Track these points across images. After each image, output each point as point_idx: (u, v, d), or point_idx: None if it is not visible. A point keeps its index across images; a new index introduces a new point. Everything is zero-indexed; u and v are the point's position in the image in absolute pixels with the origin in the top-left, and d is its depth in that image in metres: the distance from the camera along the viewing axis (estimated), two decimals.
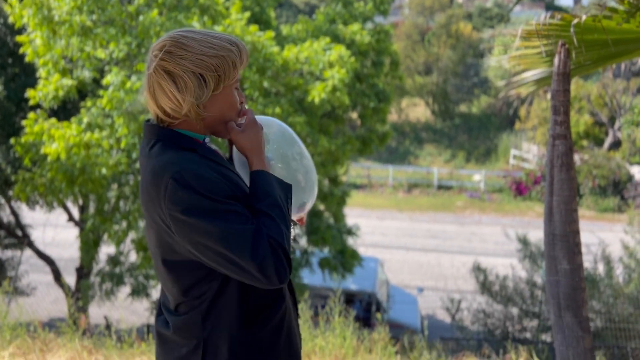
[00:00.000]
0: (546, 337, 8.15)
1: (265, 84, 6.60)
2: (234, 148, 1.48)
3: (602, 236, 11.38)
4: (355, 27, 8.20)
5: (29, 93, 6.11)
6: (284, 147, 1.59)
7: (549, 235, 2.65)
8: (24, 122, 6.04)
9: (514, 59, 2.87)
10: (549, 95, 2.63)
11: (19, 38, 6.27)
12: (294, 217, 1.63)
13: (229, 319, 1.37)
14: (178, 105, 1.32)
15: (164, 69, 1.31)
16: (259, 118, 1.56)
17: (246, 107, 1.50)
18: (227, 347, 1.37)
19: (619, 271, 8.36)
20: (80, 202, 8.75)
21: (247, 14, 6.77)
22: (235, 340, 1.37)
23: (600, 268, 8.26)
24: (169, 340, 1.43)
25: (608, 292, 7.61)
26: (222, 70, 1.33)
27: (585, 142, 20.00)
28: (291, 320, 1.47)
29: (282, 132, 1.60)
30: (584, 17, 2.24)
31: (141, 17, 5.84)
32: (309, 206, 1.66)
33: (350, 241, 9.09)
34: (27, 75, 8.23)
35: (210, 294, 1.36)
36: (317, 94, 6.35)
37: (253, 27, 6.44)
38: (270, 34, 6.53)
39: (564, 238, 2.60)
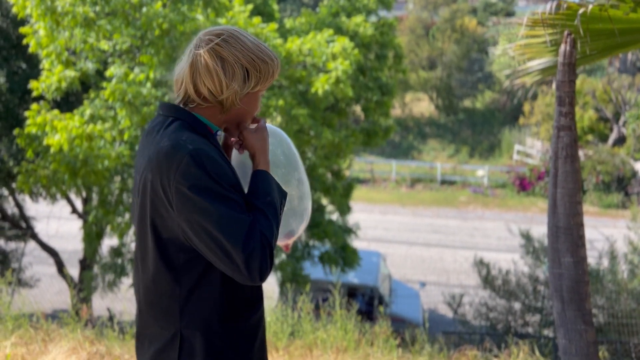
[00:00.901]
0: (548, 332, 8.14)
1: None
2: (234, 151, 1.55)
3: (606, 232, 11.34)
4: (358, 19, 8.16)
5: (32, 84, 6.11)
6: (287, 170, 1.64)
7: (553, 227, 2.62)
8: (26, 113, 6.04)
9: (519, 48, 2.84)
10: (553, 87, 2.60)
11: (23, 29, 6.25)
12: (280, 242, 1.66)
13: (208, 312, 1.36)
14: (219, 89, 1.38)
15: (217, 53, 1.38)
16: (274, 129, 1.65)
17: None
18: (204, 343, 1.35)
19: (622, 267, 8.33)
20: (84, 194, 8.77)
21: (250, 6, 6.74)
22: (212, 334, 1.36)
23: (605, 263, 8.23)
24: (143, 331, 1.43)
25: (611, 288, 7.59)
26: (263, 74, 1.42)
27: (589, 138, 19.91)
28: (264, 327, 1.49)
29: (287, 154, 1.66)
30: (590, 7, 2.21)
31: (145, 9, 5.82)
32: (296, 235, 1.69)
33: (351, 239, 9.07)
34: (31, 67, 8.22)
35: (191, 281, 1.35)
36: (320, 85, 6.32)
37: (256, 19, 6.42)
38: (274, 26, 6.50)
39: (567, 230, 2.57)
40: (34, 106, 6.02)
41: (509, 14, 28.63)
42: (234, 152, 1.56)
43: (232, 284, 1.37)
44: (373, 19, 9.15)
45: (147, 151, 1.39)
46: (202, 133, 1.39)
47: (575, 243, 2.57)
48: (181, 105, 1.43)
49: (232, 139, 1.53)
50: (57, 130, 5.76)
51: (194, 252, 1.34)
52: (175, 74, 1.45)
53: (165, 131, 1.38)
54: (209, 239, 1.28)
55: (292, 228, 1.65)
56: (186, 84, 1.41)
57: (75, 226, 11.87)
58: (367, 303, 9.20)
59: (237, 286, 1.38)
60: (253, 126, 1.53)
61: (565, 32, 2.34)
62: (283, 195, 1.47)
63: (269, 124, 1.64)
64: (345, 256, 8.35)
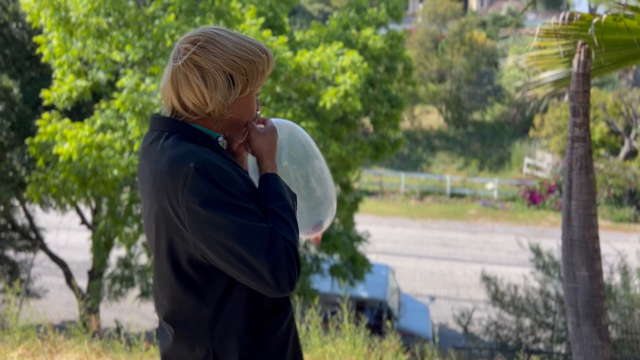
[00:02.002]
0: (560, 349, 8.00)
1: (278, 88, 6.59)
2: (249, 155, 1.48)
3: (618, 247, 11.19)
4: (368, 31, 8.18)
5: (44, 93, 6.18)
6: (306, 160, 1.57)
7: (567, 240, 2.57)
8: (38, 122, 6.09)
9: (531, 59, 2.81)
10: (566, 98, 2.57)
11: (36, 39, 6.34)
12: (309, 236, 1.59)
13: (237, 326, 1.30)
14: (203, 102, 1.29)
15: (194, 63, 1.28)
16: (285, 123, 1.57)
17: (260, 114, 1.48)
18: (238, 358, 1.30)
19: (636, 282, 8.20)
20: (93, 205, 8.80)
21: (262, 20, 6.78)
22: (245, 349, 1.30)
23: (617, 278, 8.10)
24: (172, 353, 1.36)
25: (624, 303, 7.46)
26: (250, 75, 1.31)
27: (601, 151, 19.75)
28: (296, 328, 1.43)
29: (304, 145, 1.58)
30: (604, 17, 2.18)
31: (157, 21, 5.87)
32: (325, 225, 1.60)
33: (361, 248, 9.02)
34: (44, 78, 8.31)
35: (216, 298, 1.29)
36: (328, 99, 6.32)
37: (267, 32, 6.45)
38: (284, 39, 6.52)
39: (582, 244, 2.52)
40: (45, 115, 6.08)
41: (519, 26, 28.63)
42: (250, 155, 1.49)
43: (258, 293, 1.31)
44: (383, 32, 9.18)
45: (149, 172, 1.31)
46: (203, 142, 1.31)
47: (590, 256, 2.51)
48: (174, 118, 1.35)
49: (237, 143, 1.46)
50: (67, 139, 5.79)
51: (214, 268, 1.27)
52: (161, 87, 1.36)
53: (164, 147, 1.29)
54: (230, 255, 1.21)
55: (320, 219, 1.57)
56: (171, 99, 1.32)
57: (84, 237, 11.90)
58: (376, 317, 9.11)
59: (263, 295, 1.31)
60: (261, 126, 1.45)
61: (579, 42, 2.31)
62: (294, 197, 1.40)
63: (278, 119, 1.56)
64: (355, 269, 8.28)
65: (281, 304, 1.37)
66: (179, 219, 1.24)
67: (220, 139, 1.39)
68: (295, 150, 1.55)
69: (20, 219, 9.89)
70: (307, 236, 1.62)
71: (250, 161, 1.49)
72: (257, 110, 1.44)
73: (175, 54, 1.32)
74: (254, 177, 1.45)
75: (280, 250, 1.21)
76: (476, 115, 26.61)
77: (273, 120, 1.53)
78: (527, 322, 8.36)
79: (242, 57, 1.29)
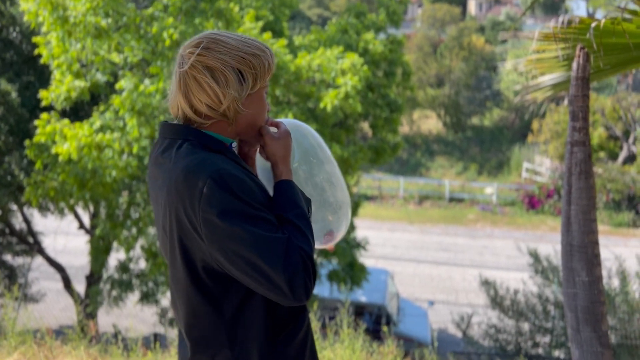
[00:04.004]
0: (559, 353, 7.98)
1: (277, 92, 6.58)
2: (257, 156, 1.45)
3: (617, 251, 11.18)
4: (368, 36, 8.19)
5: (42, 94, 6.14)
6: (315, 167, 1.52)
7: (567, 245, 2.56)
8: (36, 122, 6.06)
9: (530, 63, 2.81)
10: (564, 103, 2.56)
11: (35, 39, 6.31)
12: (321, 246, 1.54)
13: (255, 335, 1.29)
14: (217, 101, 1.28)
15: (202, 65, 1.28)
16: (295, 123, 1.53)
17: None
18: None
19: (634, 287, 8.18)
20: (91, 209, 8.78)
21: (261, 23, 6.78)
22: (264, 357, 1.30)
23: (616, 283, 8.08)
24: None
25: (623, 308, 7.43)
26: (259, 68, 1.31)
27: (599, 156, 19.78)
28: (312, 336, 1.41)
29: (314, 148, 1.53)
30: (603, 20, 2.18)
31: (156, 23, 5.86)
32: (339, 233, 1.55)
33: (359, 254, 8.99)
34: (42, 82, 8.31)
35: (233, 307, 1.28)
36: (329, 100, 6.31)
37: (267, 35, 6.45)
38: (283, 42, 6.53)
39: (582, 249, 2.51)
40: (43, 115, 6.05)
41: (517, 31, 28.69)
42: (258, 157, 1.46)
43: (274, 302, 1.30)
44: (382, 36, 9.19)
45: (162, 181, 1.30)
46: (217, 149, 1.30)
47: (590, 262, 2.50)
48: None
49: (252, 148, 1.44)
50: (67, 139, 5.77)
51: (230, 278, 1.26)
52: (168, 99, 1.36)
53: (177, 156, 1.28)
54: (247, 266, 1.20)
55: (330, 227, 1.51)
56: (182, 107, 1.31)
57: (82, 242, 11.87)
58: (375, 322, 9.08)
59: (279, 304, 1.30)
60: (274, 130, 1.43)
61: (579, 46, 2.30)
62: (308, 202, 1.38)
63: (289, 119, 1.53)
64: (353, 274, 8.26)
65: (298, 312, 1.36)
66: (194, 229, 1.23)
67: (234, 144, 1.37)
68: (307, 153, 1.51)
69: (18, 223, 9.86)
70: (319, 246, 1.57)
71: (258, 163, 1.46)
72: (268, 110, 1.43)
73: (180, 61, 1.32)
74: (263, 180, 1.42)
75: (297, 261, 1.20)
76: (475, 120, 26.64)
77: (284, 120, 1.50)
78: (526, 326, 8.34)
79: (247, 52, 1.30)
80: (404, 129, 25.80)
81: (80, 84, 5.93)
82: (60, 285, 10.00)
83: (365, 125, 9.54)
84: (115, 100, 5.73)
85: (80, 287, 10.36)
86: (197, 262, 1.26)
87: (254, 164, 1.49)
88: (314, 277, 1.24)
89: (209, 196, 1.19)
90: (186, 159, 1.25)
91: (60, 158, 5.81)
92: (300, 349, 1.35)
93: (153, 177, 1.36)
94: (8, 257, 9.77)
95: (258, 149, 1.44)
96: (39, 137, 5.92)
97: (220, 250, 1.21)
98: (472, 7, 40.71)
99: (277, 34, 8.16)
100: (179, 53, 1.34)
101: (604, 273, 8.07)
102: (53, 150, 5.84)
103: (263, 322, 1.30)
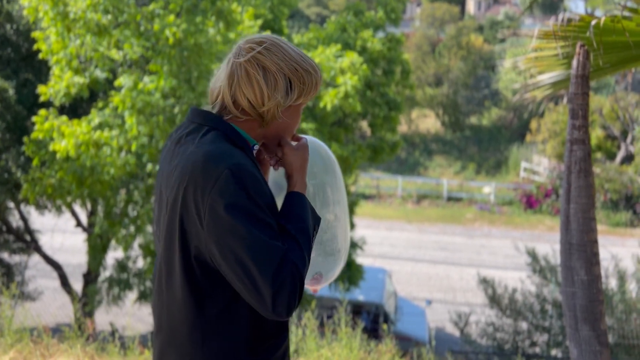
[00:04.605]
0: (557, 352, 7.99)
1: None
2: (271, 169, 1.46)
3: (614, 251, 11.20)
4: (366, 34, 8.18)
5: (40, 89, 6.10)
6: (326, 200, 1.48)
7: (566, 244, 2.55)
8: (34, 119, 6.02)
9: (529, 61, 2.80)
10: (563, 101, 2.55)
11: (34, 34, 6.26)
12: (306, 285, 1.48)
13: (232, 344, 1.26)
14: (260, 100, 1.30)
15: (258, 62, 1.30)
16: (313, 141, 1.51)
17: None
18: None
19: (632, 286, 8.19)
20: (89, 206, 8.75)
21: (260, 22, 6.77)
22: None
23: (613, 283, 8.09)
24: (163, 358, 1.32)
25: (621, 308, 7.44)
26: (307, 84, 1.34)
27: (597, 156, 19.81)
28: (289, 355, 1.38)
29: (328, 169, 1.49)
30: (603, 18, 2.17)
31: (157, 20, 5.84)
32: (325, 280, 1.47)
33: (356, 254, 8.98)
34: (39, 79, 8.27)
35: (215, 309, 1.25)
36: (329, 100, 6.31)
37: (267, 33, 6.44)
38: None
39: (581, 247, 2.50)
40: (41, 112, 6.01)
41: (516, 30, 28.71)
42: (271, 171, 1.45)
43: (260, 315, 1.27)
44: (380, 35, 9.18)
45: (179, 161, 1.28)
46: (240, 146, 1.30)
47: (589, 260, 2.50)
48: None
49: (267, 155, 1.43)
50: (64, 136, 5.74)
51: (220, 276, 1.24)
52: (211, 84, 1.37)
53: (201, 141, 1.27)
54: (238, 266, 1.18)
55: (320, 270, 1.44)
56: (224, 95, 1.32)
57: (79, 240, 11.84)
58: (373, 321, 9.07)
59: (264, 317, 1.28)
60: (294, 143, 1.43)
61: (578, 44, 2.29)
62: (317, 220, 1.35)
63: (311, 137, 1.52)
64: (351, 274, 8.25)
65: (281, 326, 1.33)
66: (198, 214, 1.21)
67: (256, 147, 1.37)
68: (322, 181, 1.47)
69: (15, 221, 9.82)
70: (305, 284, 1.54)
71: (270, 176, 1.46)
72: (298, 126, 1.44)
73: (237, 52, 1.33)
74: (274, 192, 1.40)
75: (286, 276, 1.18)
76: (473, 119, 26.65)
77: (307, 137, 1.51)
78: (523, 325, 8.34)
79: (302, 66, 1.32)
80: (402, 128, 25.79)
81: (79, 80, 5.90)
82: (57, 283, 9.98)
83: (363, 124, 9.54)
84: (115, 98, 5.70)
85: (77, 285, 10.33)
86: (191, 248, 1.24)
87: (267, 171, 1.48)
88: (299, 297, 1.20)
89: (222, 186, 1.19)
90: (210, 145, 1.25)
91: (58, 155, 5.78)
92: None
93: (169, 155, 1.35)
94: (5, 255, 9.74)
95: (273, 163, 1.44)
96: (37, 133, 5.89)
97: (216, 243, 1.19)
98: (470, 6, 40.73)
99: (276, 32, 8.15)
100: (237, 44, 1.36)
101: (602, 273, 8.06)
102: (51, 148, 5.81)
103: (243, 334, 1.26)
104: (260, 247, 1.17)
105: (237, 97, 1.30)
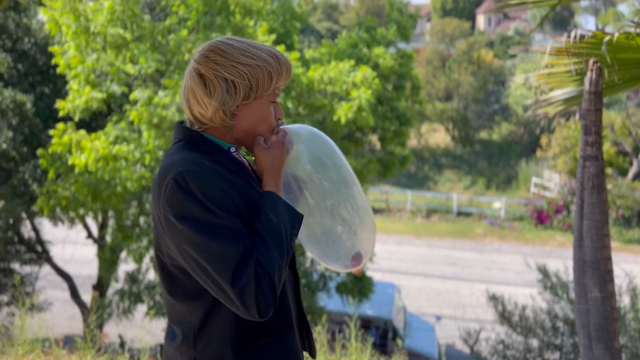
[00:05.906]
0: None
1: (289, 104, 6.62)
2: (286, 164, 1.43)
3: (627, 268, 11.06)
4: (379, 50, 8.24)
5: (59, 104, 6.17)
6: (328, 191, 1.45)
7: (579, 261, 2.54)
8: (51, 132, 6.09)
9: (541, 77, 2.81)
10: (575, 118, 2.55)
11: (52, 48, 6.35)
12: (348, 270, 1.47)
13: (221, 342, 1.29)
14: (204, 110, 1.30)
15: (197, 72, 1.31)
16: (312, 132, 1.47)
17: (283, 124, 1.45)
18: None
19: None
20: (100, 219, 8.81)
21: (273, 36, 6.84)
22: None
23: (626, 300, 7.99)
24: (168, 353, 1.39)
25: (634, 326, 7.33)
26: (254, 80, 1.30)
27: (609, 171, 19.64)
28: (298, 354, 1.38)
29: (338, 177, 1.45)
30: (616, 35, 2.18)
31: (172, 35, 5.92)
32: (365, 256, 1.45)
33: (366, 267, 8.95)
34: (55, 93, 8.40)
35: (202, 309, 1.29)
36: (343, 113, 6.34)
37: (280, 48, 6.50)
38: (296, 55, 6.58)
39: (594, 265, 2.49)
40: (59, 125, 6.08)
41: (526, 46, 28.71)
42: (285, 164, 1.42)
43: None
44: (391, 50, 9.24)
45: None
46: (207, 151, 1.30)
47: (602, 277, 2.48)
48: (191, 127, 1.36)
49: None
50: (84, 151, 5.81)
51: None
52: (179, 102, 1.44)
53: (165, 155, 1.33)
54: (201, 271, 1.21)
55: (357, 250, 1.43)
56: (185, 111, 1.36)
57: (90, 251, 11.90)
58: (381, 336, 9.00)
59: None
60: (277, 137, 1.41)
61: (591, 60, 2.30)
62: (295, 219, 1.30)
63: (303, 125, 1.47)
64: (362, 286, 8.22)
65: (277, 327, 1.33)
66: (162, 225, 1.26)
67: (233, 149, 1.36)
68: (318, 159, 1.45)
69: (26, 232, 9.91)
70: (346, 269, 1.48)
71: (288, 170, 1.43)
72: (279, 119, 1.42)
73: (188, 66, 1.37)
74: (285, 194, 1.41)
75: (248, 276, 1.17)
76: (483, 134, 26.59)
77: (295, 126, 1.47)
78: (534, 343, 8.23)
79: (243, 62, 1.29)
80: (412, 142, 25.79)
81: (97, 95, 5.98)
82: (67, 294, 10.02)
83: (373, 138, 9.56)
84: (132, 112, 5.77)
85: (87, 296, 10.37)
86: (169, 259, 1.29)
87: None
88: (272, 293, 1.19)
89: (169, 196, 1.21)
90: (168, 158, 1.29)
91: (77, 169, 5.85)
92: None
93: None
94: (16, 266, 9.81)
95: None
96: (55, 147, 5.97)
97: (178, 250, 1.24)
98: (481, 22, 40.86)
99: (288, 47, 8.23)
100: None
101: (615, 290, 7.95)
102: (70, 161, 5.88)
103: (230, 333, 1.29)
104: (214, 252, 1.18)
105: (192, 109, 1.33)
